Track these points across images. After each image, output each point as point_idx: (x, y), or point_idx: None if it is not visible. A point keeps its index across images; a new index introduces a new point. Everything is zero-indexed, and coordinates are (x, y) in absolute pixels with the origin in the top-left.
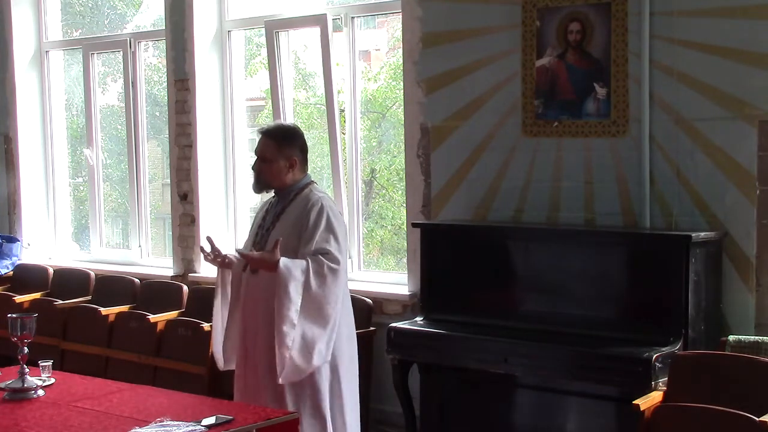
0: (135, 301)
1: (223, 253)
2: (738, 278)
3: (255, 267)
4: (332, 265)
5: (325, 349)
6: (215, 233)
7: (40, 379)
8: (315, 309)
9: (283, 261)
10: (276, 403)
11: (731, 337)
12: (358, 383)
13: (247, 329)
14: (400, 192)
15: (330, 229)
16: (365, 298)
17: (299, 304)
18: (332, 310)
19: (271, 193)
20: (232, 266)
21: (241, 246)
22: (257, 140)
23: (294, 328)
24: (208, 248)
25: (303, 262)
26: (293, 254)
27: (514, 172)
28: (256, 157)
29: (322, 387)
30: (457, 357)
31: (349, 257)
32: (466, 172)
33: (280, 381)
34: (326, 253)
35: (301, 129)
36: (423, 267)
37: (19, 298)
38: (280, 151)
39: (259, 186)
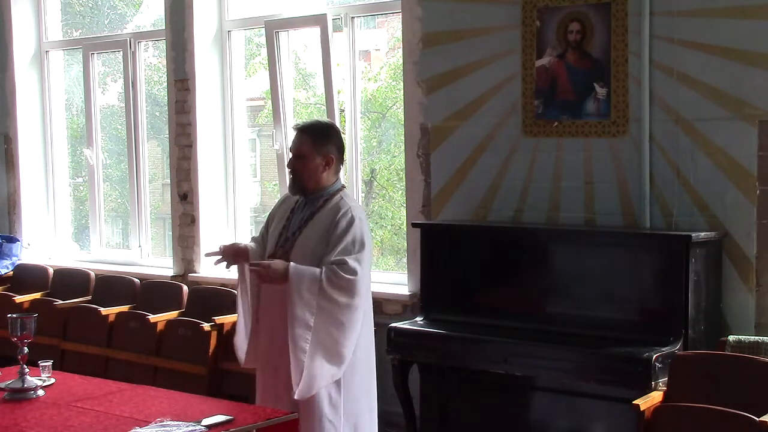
0: (135, 301)
1: (239, 245)
2: (738, 278)
3: (266, 280)
4: (347, 276)
5: (347, 356)
6: (215, 233)
7: (40, 379)
8: (331, 318)
9: (294, 265)
10: (292, 407)
11: (731, 337)
12: (375, 390)
13: (267, 330)
14: (400, 192)
15: (355, 241)
16: None
17: (314, 306)
18: (347, 320)
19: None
20: (248, 255)
21: (248, 240)
22: (293, 137)
23: (309, 331)
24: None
25: (315, 269)
26: (319, 262)
27: (514, 172)
28: (291, 155)
29: (333, 394)
30: (457, 357)
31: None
32: (466, 172)
33: (296, 395)
34: (343, 264)
35: (338, 127)
36: (423, 267)
37: (19, 298)
38: (316, 148)
39: (296, 187)
